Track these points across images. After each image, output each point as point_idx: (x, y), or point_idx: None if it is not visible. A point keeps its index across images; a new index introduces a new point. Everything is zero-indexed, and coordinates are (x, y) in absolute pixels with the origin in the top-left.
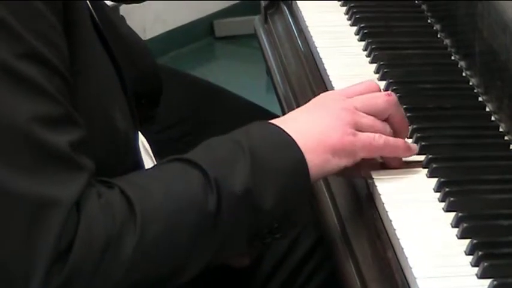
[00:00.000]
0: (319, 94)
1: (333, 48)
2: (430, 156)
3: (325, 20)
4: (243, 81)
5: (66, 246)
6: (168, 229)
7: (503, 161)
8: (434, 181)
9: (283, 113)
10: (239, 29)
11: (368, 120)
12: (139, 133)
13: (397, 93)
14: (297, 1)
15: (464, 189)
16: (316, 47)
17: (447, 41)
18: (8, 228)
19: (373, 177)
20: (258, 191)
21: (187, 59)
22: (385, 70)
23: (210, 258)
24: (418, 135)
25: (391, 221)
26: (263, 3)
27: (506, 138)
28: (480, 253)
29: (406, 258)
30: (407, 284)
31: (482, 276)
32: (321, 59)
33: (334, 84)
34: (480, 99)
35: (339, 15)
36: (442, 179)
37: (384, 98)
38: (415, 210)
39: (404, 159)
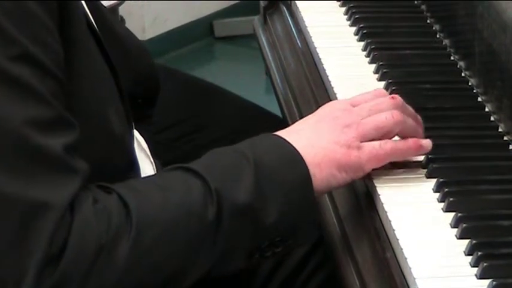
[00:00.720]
0: (318, 94)
1: (332, 48)
2: (429, 156)
3: (324, 20)
4: (242, 81)
5: (58, 251)
6: (164, 237)
7: (503, 161)
8: (433, 181)
9: (283, 114)
10: (238, 29)
11: (373, 124)
12: (138, 133)
13: (397, 93)
14: (296, 1)
15: (464, 190)
16: (315, 47)
17: (446, 41)
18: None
19: (373, 177)
20: (260, 205)
21: (187, 59)
22: (385, 70)
23: (209, 269)
24: None
25: (390, 221)
26: (262, 4)
27: (505, 138)
28: (479, 253)
29: (406, 258)
30: (407, 284)
31: (481, 276)
32: (320, 59)
33: (333, 84)
34: (479, 99)
35: (338, 15)
36: (441, 179)
37: (388, 102)
38: (414, 210)
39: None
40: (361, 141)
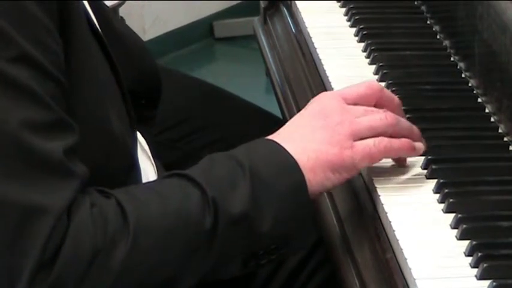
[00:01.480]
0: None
1: (332, 49)
2: (429, 157)
3: (324, 21)
4: (243, 82)
5: (52, 255)
6: (160, 244)
7: (503, 162)
8: (433, 182)
9: (283, 114)
10: (238, 30)
11: (367, 124)
12: (139, 134)
13: (397, 94)
14: (297, 2)
15: (464, 191)
16: (315, 48)
17: (447, 42)
18: None
19: (373, 178)
20: (256, 213)
21: (187, 60)
22: (385, 71)
23: (204, 275)
24: None
25: (390, 222)
26: (262, 4)
27: (505, 139)
28: (479, 254)
29: (406, 259)
30: (407, 285)
31: (481, 277)
32: (320, 60)
33: (333, 85)
34: (479, 100)
35: (338, 16)
36: (441, 180)
37: (383, 114)
38: (414, 211)
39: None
40: (354, 140)
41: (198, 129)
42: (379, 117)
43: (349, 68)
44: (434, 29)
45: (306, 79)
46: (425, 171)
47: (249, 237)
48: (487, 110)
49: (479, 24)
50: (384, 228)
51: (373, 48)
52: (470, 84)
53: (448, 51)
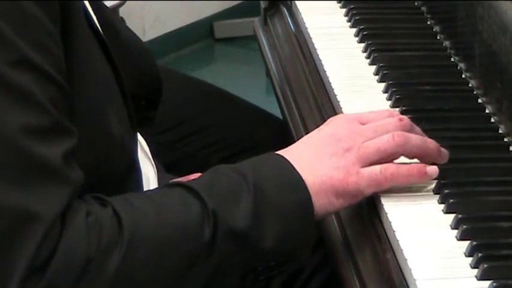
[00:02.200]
0: (318, 96)
1: (332, 49)
2: None
3: (324, 21)
4: (243, 82)
5: (44, 261)
6: (155, 255)
7: (503, 162)
8: (434, 183)
9: (283, 115)
10: (239, 30)
11: (374, 147)
12: (139, 135)
13: (397, 94)
14: (297, 2)
15: (464, 191)
16: (315, 49)
17: (447, 43)
18: None
19: None
20: (257, 231)
21: (187, 61)
22: (385, 72)
23: (200, 287)
24: None
25: (390, 222)
26: (263, 5)
27: (505, 140)
28: (480, 255)
29: (406, 260)
30: (407, 285)
31: (481, 277)
32: (320, 60)
33: (333, 85)
34: (480, 101)
35: (338, 16)
36: (441, 181)
37: (396, 124)
38: (414, 211)
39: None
40: (362, 165)
41: (198, 130)
42: (386, 139)
43: (349, 69)
44: (434, 30)
45: (306, 80)
46: None
47: (249, 252)
48: (487, 111)
49: (479, 25)
50: (384, 228)
51: (373, 48)
52: (470, 85)
53: (448, 51)
